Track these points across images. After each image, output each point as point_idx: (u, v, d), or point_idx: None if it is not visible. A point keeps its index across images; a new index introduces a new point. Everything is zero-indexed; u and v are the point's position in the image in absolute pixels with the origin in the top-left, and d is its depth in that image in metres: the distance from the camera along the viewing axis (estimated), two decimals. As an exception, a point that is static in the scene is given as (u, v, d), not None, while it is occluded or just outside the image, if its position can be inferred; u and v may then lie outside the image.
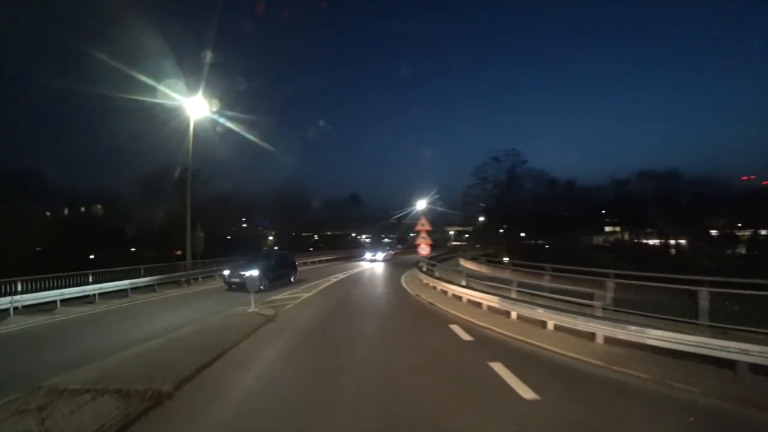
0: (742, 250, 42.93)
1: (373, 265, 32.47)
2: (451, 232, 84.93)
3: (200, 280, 18.57)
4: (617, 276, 10.63)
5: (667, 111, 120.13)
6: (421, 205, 45.35)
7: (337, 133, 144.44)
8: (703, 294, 8.48)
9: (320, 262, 34.19)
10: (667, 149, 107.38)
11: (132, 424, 4.57)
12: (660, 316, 8.17)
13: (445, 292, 14.04)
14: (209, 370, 6.45)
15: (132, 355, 7.00)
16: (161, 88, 18.09)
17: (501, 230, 55.79)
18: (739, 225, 47.71)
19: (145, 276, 15.75)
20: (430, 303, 12.90)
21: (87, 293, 13.31)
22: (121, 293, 14.41)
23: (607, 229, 59.94)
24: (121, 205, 40.46)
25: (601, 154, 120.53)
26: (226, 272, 16.31)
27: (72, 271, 13.74)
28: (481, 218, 61.77)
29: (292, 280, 18.45)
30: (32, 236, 30.59)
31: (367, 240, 71.64)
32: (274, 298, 13.85)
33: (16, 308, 11.24)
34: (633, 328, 6.98)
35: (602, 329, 7.55)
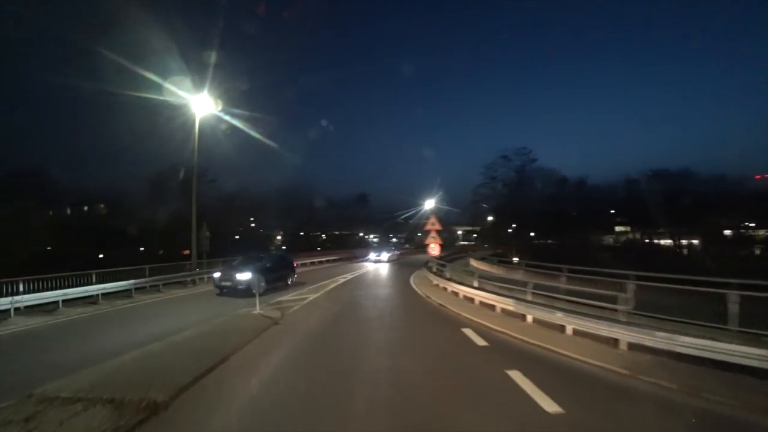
0: (757, 251, 41.81)
1: (378, 266, 31.42)
2: (459, 232, 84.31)
3: (206, 280, 18.23)
4: (638, 278, 10.12)
5: (679, 110, 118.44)
6: (429, 204, 45.04)
7: (343, 133, 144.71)
8: (733, 297, 8.01)
9: (320, 263, 32.90)
10: (678, 148, 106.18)
11: (123, 437, 4.25)
12: (688, 321, 7.69)
13: (456, 294, 13.61)
14: (210, 376, 6.11)
15: (130, 360, 6.68)
16: (167, 85, 17.87)
17: (509, 230, 55.08)
18: (753, 225, 46.59)
19: (149, 276, 15.51)
20: (441, 305, 12.47)
21: (89, 293, 13.08)
22: (125, 293, 14.17)
23: (618, 228, 58.89)
24: (129, 204, 40.51)
25: (610, 153, 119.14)
26: (217, 275, 15.19)
27: (79, 270, 13.56)
28: (490, 218, 61.05)
29: (289, 282, 17.21)
30: (36, 236, 30.61)
31: (375, 240, 71.32)
32: (280, 299, 13.52)
33: (17, 309, 11.03)
34: (662, 334, 6.51)
35: (627, 335, 7.09)
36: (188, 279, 17.35)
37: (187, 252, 18.03)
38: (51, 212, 37.99)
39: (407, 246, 65.70)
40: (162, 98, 18.00)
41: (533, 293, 10.75)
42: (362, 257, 38.61)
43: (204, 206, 39.12)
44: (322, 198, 63.65)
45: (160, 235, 35.33)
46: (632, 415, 4.96)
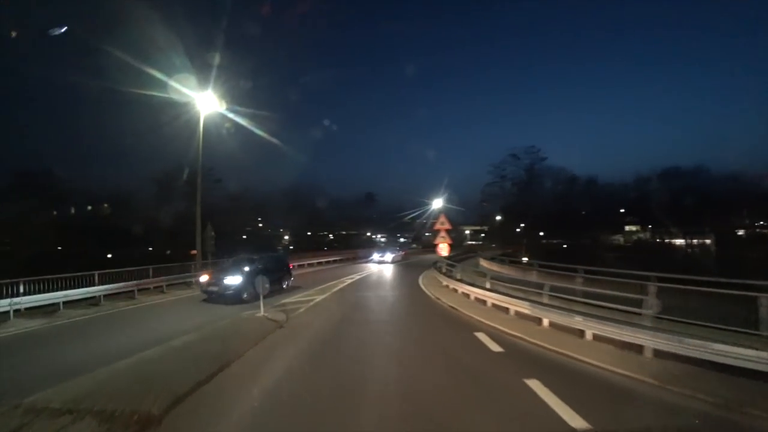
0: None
1: (383, 267, 29.84)
2: (467, 232, 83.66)
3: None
4: (659, 279, 9.61)
5: (689, 108, 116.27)
6: (436, 203, 44.54)
7: (349, 133, 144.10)
8: (764, 301, 7.52)
9: (319, 264, 30.99)
10: (689, 146, 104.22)
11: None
12: (717, 326, 7.19)
13: (467, 296, 13.17)
14: (209, 385, 5.74)
15: (125, 367, 6.36)
16: (172, 83, 17.56)
17: (518, 229, 54.46)
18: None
19: (153, 277, 15.22)
20: (452, 307, 12.05)
21: (91, 295, 12.81)
22: (128, 295, 13.90)
23: (628, 228, 57.95)
24: (136, 204, 40.60)
25: (619, 152, 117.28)
26: (204, 278, 13.99)
27: (84, 270, 13.32)
28: (498, 217, 60.39)
29: (284, 286, 15.84)
30: (42, 236, 30.65)
31: (382, 239, 70.96)
32: (285, 301, 13.15)
33: (17, 311, 10.80)
34: (693, 341, 6.03)
35: (654, 342, 6.62)
36: (193, 280, 17.00)
37: (194, 252, 17.67)
38: (57, 212, 38.08)
39: (414, 246, 65.29)
40: (168, 96, 17.70)
41: (549, 295, 10.26)
42: (365, 258, 37.40)
43: (210, 206, 39.04)
44: (329, 198, 63.46)
45: (167, 234, 35.25)
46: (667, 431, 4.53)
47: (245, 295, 12.91)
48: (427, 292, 15.51)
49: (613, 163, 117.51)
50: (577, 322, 7.98)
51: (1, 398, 5.12)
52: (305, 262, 28.82)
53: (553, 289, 10.38)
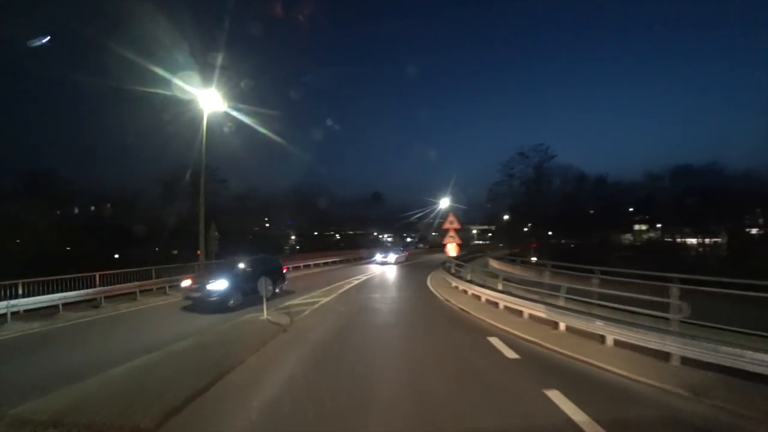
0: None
1: (386, 269, 28.04)
2: (474, 231, 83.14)
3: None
4: (681, 281, 9.07)
5: (701, 105, 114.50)
6: (444, 203, 44.10)
7: (355, 133, 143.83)
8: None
9: (316, 266, 29.15)
10: (698, 145, 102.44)
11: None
12: (751, 332, 6.70)
13: (477, 298, 12.74)
14: (206, 396, 5.38)
15: (117, 375, 6.02)
16: (176, 80, 17.29)
17: (525, 229, 53.76)
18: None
19: (156, 277, 14.92)
20: (462, 309, 11.61)
21: (91, 296, 12.57)
22: (130, 296, 13.62)
23: (637, 227, 56.96)
24: (143, 204, 40.60)
25: (629, 150, 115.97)
26: (186, 282, 12.73)
27: (88, 271, 13.06)
28: (506, 216, 59.65)
29: (277, 291, 14.27)
30: (48, 236, 30.63)
31: (389, 239, 70.61)
32: (289, 303, 12.78)
33: (16, 313, 10.56)
34: (728, 349, 5.56)
35: (683, 349, 6.15)
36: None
37: (200, 252, 17.35)
38: (65, 212, 38.18)
39: (421, 245, 64.87)
40: (173, 94, 17.45)
41: (566, 298, 9.76)
42: (368, 259, 36.08)
43: (216, 206, 38.97)
44: (336, 198, 63.28)
45: (173, 234, 35.11)
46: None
47: (232, 302, 11.97)
48: (435, 293, 15.09)
49: (618, 161, 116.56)
50: (597, 327, 7.51)
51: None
52: (301, 264, 27.85)
53: (569, 291, 9.88)
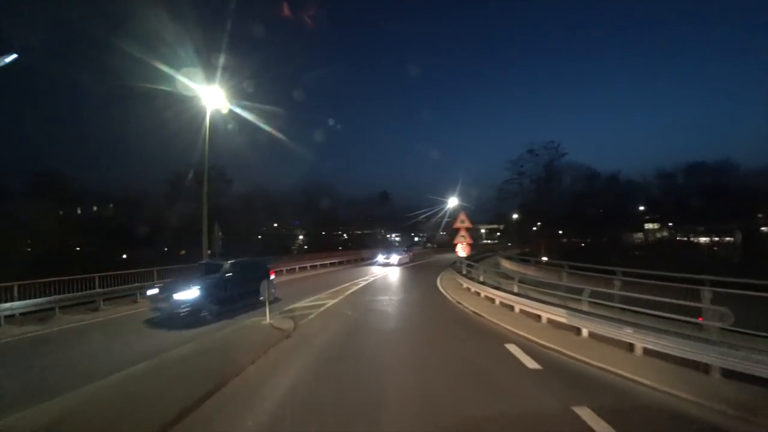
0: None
1: (387, 271, 25.75)
2: (482, 231, 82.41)
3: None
4: (714, 283, 8.45)
5: (714, 103, 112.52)
6: (452, 202, 43.50)
7: (362, 133, 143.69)
8: None
9: (312, 267, 27.37)
10: (712, 142, 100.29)
11: None
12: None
13: (491, 300, 12.16)
14: (201, 409, 4.95)
15: (108, 385, 5.60)
16: (185, 79, 16.88)
17: (534, 228, 52.88)
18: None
19: (158, 279, 14.48)
20: (476, 313, 11.05)
21: (88, 299, 12.14)
22: (131, 298, 13.23)
23: (648, 226, 55.77)
24: (151, 204, 40.42)
25: (640, 149, 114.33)
26: (153, 291, 11.07)
27: (91, 272, 12.73)
28: (515, 215, 58.75)
29: (261, 299, 11.49)
30: (56, 236, 30.55)
31: (397, 238, 70.10)
32: (293, 306, 12.28)
33: (10, 316, 10.21)
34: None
35: (725, 361, 5.55)
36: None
37: (209, 252, 16.90)
38: (73, 212, 38.20)
39: (429, 245, 64.26)
40: (178, 92, 17.07)
41: (589, 302, 9.13)
42: (370, 260, 34.14)
43: (223, 206, 38.75)
44: (343, 197, 62.90)
45: (181, 234, 34.88)
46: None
47: (205, 313, 10.33)
48: (446, 295, 14.52)
49: (629, 160, 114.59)
50: (626, 334, 6.91)
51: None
52: (308, 264, 26.97)
53: (592, 294, 9.24)
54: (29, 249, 31.02)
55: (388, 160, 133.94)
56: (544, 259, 27.39)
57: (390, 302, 13.25)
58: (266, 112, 21.97)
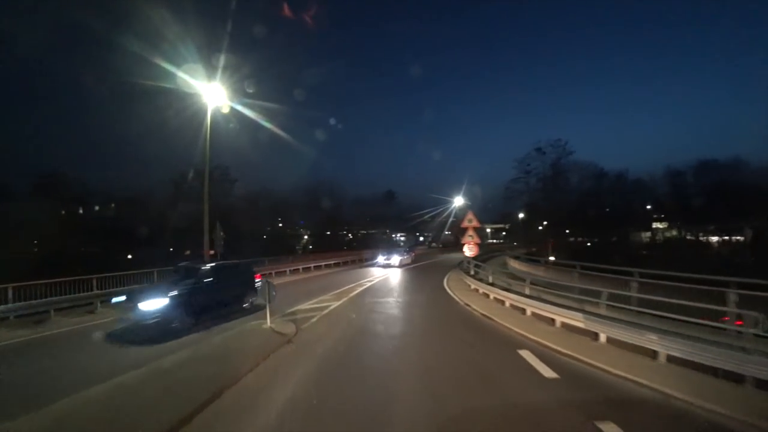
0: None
1: (391, 272, 24.26)
2: (488, 230, 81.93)
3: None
4: (741, 285, 7.95)
5: (723, 100, 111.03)
6: (458, 201, 43.03)
7: (367, 133, 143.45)
8: None
9: (317, 268, 26.49)
10: (723, 140, 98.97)
11: None
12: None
13: (501, 302, 11.71)
14: (193, 423, 4.55)
15: (97, 395, 5.24)
16: (180, 74, 16.54)
17: (540, 227, 52.23)
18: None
19: (158, 280, 14.11)
20: (485, 316, 10.59)
21: (85, 301, 11.79)
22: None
23: (656, 225, 54.93)
24: (156, 205, 40.27)
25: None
26: (120, 299, 9.91)
27: (94, 273, 12.40)
28: (521, 215, 58.09)
29: (245, 306, 11.59)
30: (61, 237, 30.43)
31: (402, 238, 69.65)
32: (296, 308, 11.86)
33: (4, 319, 9.90)
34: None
35: (760, 371, 5.10)
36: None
37: (212, 252, 16.51)
38: (74, 213, 38.18)
39: (434, 245, 63.79)
40: (191, 92, 16.76)
41: (607, 305, 8.65)
42: (371, 260, 32.46)
43: (228, 206, 38.56)
44: (349, 196, 62.50)
45: (186, 234, 34.69)
46: None
47: (175, 324, 9.21)
48: (454, 296, 14.06)
49: (637, 158, 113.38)
50: (650, 340, 6.45)
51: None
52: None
53: (609, 297, 8.75)
54: (36, 249, 30.97)
55: (392, 159, 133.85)
56: (552, 258, 26.87)
57: (396, 304, 12.78)
58: (269, 110, 21.63)
